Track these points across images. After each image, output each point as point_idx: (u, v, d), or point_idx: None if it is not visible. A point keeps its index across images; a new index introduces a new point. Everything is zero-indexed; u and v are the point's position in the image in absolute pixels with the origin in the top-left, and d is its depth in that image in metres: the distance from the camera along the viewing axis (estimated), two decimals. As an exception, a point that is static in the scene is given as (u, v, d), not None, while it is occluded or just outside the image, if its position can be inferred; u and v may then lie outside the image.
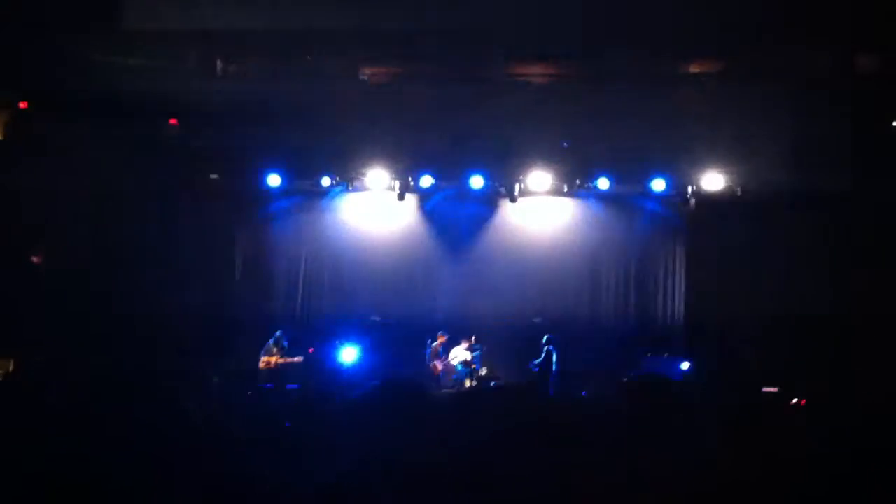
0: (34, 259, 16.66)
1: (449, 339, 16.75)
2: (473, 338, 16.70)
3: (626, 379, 13.59)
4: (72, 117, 14.93)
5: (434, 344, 16.70)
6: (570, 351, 15.95)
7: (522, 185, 17.55)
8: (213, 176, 17.35)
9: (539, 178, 17.32)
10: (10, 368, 14.07)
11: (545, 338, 16.17)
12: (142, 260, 16.14)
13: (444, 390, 14.28)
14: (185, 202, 16.94)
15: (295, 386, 13.21)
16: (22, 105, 15.95)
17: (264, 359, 16.02)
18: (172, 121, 16.25)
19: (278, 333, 16.27)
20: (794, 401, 12.11)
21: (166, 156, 16.13)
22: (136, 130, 15.38)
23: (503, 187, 17.63)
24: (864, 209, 15.23)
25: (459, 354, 16.66)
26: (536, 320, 16.62)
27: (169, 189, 16.68)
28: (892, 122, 15.54)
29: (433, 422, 3.58)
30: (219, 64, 16.05)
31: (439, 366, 16.53)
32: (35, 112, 15.77)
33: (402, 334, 16.80)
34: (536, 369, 15.90)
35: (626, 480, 3.36)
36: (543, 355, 15.93)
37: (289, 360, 16.00)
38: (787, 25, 13.50)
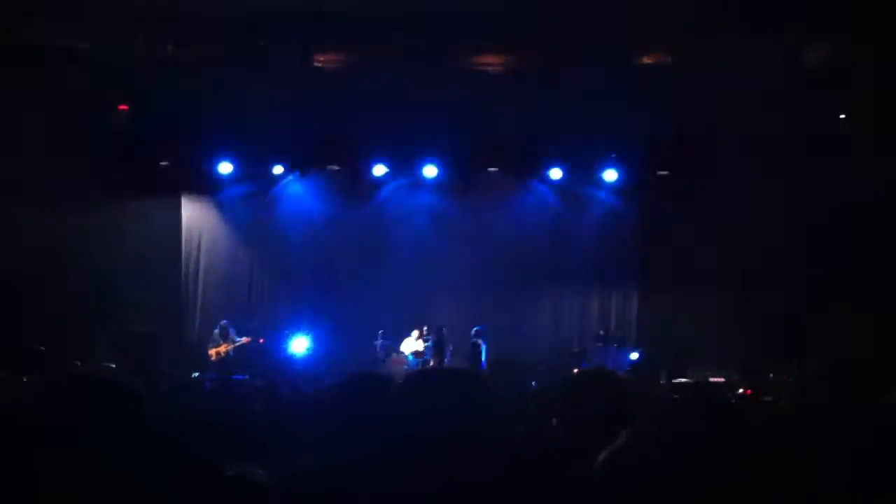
0: None
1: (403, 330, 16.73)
2: (425, 328, 16.70)
3: (574, 371, 13.69)
4: (17, 104, 14.65)
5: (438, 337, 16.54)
6: (520, 343, 15.99)
7: (476, 176, 17.54)
8: (163, 163, 17.12)
9: (492, 168, 17.32)
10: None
11: (473, 330, 16.12)
12: (88, 249, 15.89)
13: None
14: (133, 189, 16.66)
15: (242, 377, 13.12)
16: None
17: (212, 350, 15.94)
18: (122, 107, 15.99)
19: (223, 322, 16.19)
20: (741, 391, 12.29)
21: (115, 143, 15.84)
22: (84, 117, 15.10)
23: (458, 176, 17.60)
24: (818, 201, 15.37)
25: (411, 345, 16.66)
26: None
27: (117, 176, 16.38)
28: (838, 115, 15.73)
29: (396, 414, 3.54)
30: (170, 48, 15.83)
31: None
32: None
33: (353, 326, 16.77)
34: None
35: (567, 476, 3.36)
36: (472, 349, 15.92)
37: (238, 342, 15.97)
38: (739, 16, 13.62)
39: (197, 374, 14.44)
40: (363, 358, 16.28)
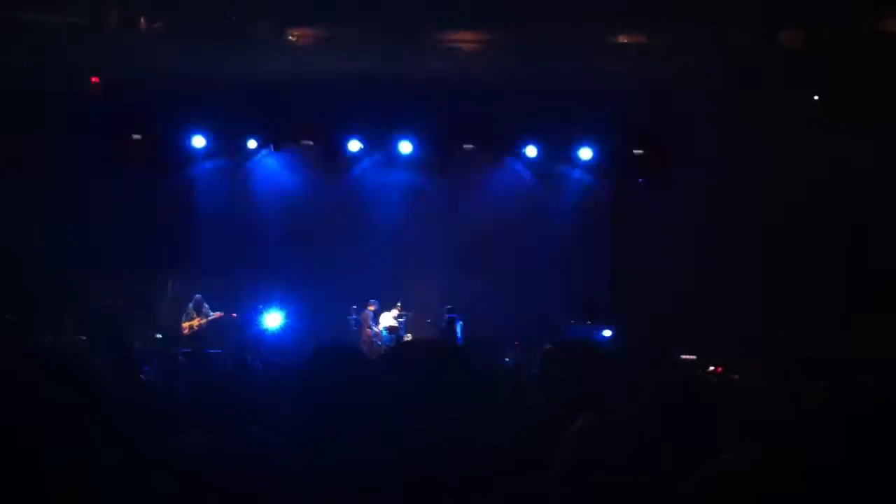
0: None
1: (379, 307, 16.79)
2: (400, 305, 16.73)
3: (549, 345, 13.75)
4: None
5: (364, 312, 16.70)
6: (495, 320, 16.03)
7: (451, 153, 17.50)
8: (136, 136, 16.96)
9: (468, 145, 17.28)
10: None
11: (447, 308, 16.30)
12: (60, 222, 15.75)
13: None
14: (106, 162, 16.48)
15: (217, 350, 13.06)
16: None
17: (186, 324, 15.89)
18: (94, 79, 15.82)
19: (198, 297, 16.13)
20: (711, 368, 12.43)
21: (87, 115, 15.68)
22: (55, 90, 14.93)
23: (433, 153, 17.55)
24: (788, 186, 15.51)
25: (386, 321, 16.70)
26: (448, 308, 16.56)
27: (89, 149, 16.20)
28: (812, 97, 15.84)
29: (369, 389, 3.53)
30: (142, 21, 15.67)
31: (370, 333, 16.58)
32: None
33: (327, 300, 16.76)
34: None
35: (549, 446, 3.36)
36: (447, 325, 16.02)
37: (211, 317, 15.93)
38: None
39: (160, 336, 14.39)
40: (337, 333, 16.31)
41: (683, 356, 12.80)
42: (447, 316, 16.16)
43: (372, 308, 16.76)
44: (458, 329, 15.98)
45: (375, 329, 16.71)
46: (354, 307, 16.79)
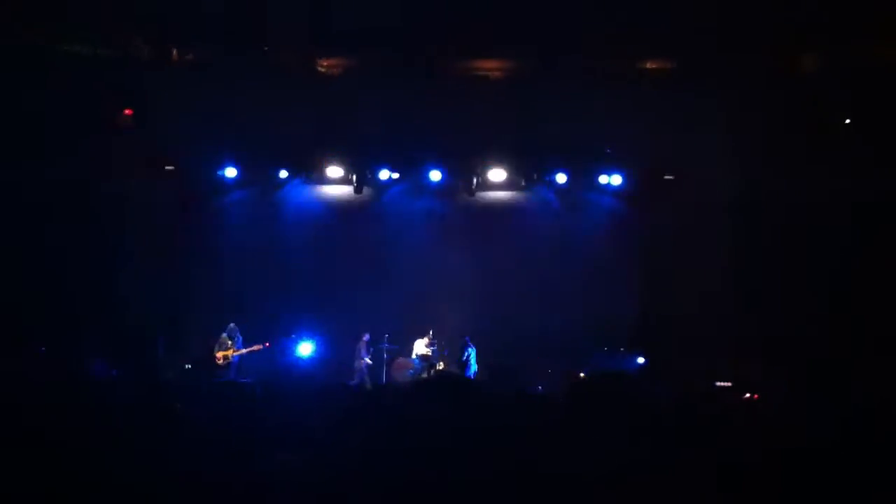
0: None
1: (369, 339, 16.79)
2: (431, 333, 16.69)
3: (582, 374, 13.68)
4: (27, 107, 14.72)
5: (360, 342, 16.69)
6: (525, 347, 15.94)
7: (480, 179, 17.54)
8: (169, 167, 17.12)
9: (496, 173, 17.30)
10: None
11: (462, 336, 16.36)
12: (93, 250, 15.92)
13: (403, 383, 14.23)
14: (139, 193, 16.65)
15: (248, 380, 13.09)
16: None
17: (220, 353, 15.88)
18: (127, 111, 16.01)
19: (231, 326, 16.14)
20: (747, 395, 12.27)
21: (121, 145, 15.87)
22: (90, 120, 15.16)
23: (461, 181, 17.58)
24: (814, 208, 15.36)
25: (418, 349, 16.67)
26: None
27: (124, 179, 16.39)
28: (843, 121, 15.70)
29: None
30: (174, 53, 15.88)
31: (362, 363, 16.56)
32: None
33: (358, 329, 16.77)
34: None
35: (581, 476, 3.35)
36: (462, 354, 16.03)
37: (251, 349, 15.91)
38: (737, 26, 13.69)
39: (189, 366, 14.42)
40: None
41: (719, 383, 12.64)
42: (461, 342, 16.21)
43: (364, 339, 16.77)
44: (471, 357, 15.98)
45: (365, 359, 16.61)
46: (387, 336, 16.77)
